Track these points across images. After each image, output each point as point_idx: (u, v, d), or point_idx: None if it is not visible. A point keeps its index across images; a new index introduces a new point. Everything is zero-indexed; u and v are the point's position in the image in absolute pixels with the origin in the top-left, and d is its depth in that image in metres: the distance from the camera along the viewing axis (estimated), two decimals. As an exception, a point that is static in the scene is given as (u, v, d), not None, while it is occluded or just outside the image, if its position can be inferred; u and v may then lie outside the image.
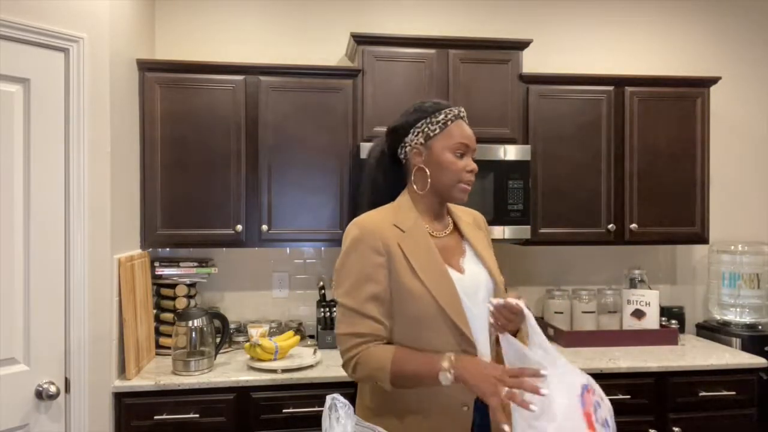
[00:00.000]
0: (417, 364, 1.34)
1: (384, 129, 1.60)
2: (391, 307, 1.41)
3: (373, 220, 1.45)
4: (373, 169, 1.58)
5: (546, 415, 1.11)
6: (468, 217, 1.62)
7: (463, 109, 1.51)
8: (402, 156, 1.52)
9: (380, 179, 1.56)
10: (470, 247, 1.53)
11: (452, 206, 1.60)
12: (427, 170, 1.47)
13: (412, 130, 1.48)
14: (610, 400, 2.55)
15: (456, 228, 1.56)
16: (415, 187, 1.50)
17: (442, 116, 1.47)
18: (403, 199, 1.51)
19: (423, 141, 1.47)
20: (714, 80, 2.88)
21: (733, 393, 2.52)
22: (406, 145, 1.50)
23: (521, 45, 2.75)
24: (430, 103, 1.51)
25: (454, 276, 1.43)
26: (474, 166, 1.48)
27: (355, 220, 1.47)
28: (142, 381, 2.24)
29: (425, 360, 1.34)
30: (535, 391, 1.12)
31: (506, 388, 1.16)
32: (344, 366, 1.42)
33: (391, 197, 1.54)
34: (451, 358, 1.30)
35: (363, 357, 1.37)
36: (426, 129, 1.47)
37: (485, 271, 1.50)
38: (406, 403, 1.41)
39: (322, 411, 1.29)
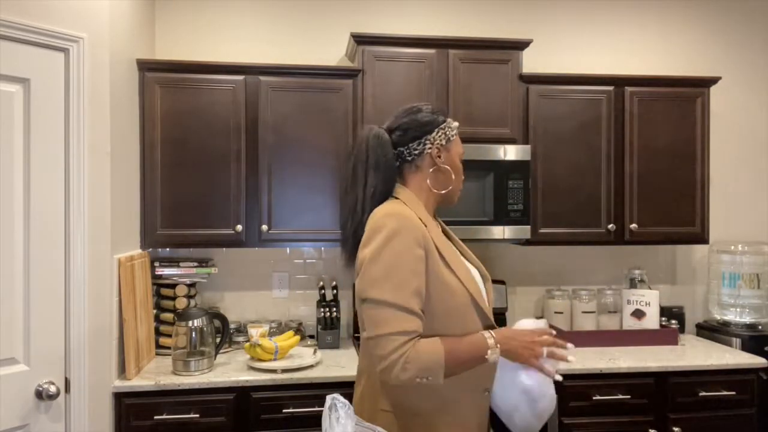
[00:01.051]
0: (467, 351, 1.37)
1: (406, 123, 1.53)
2: (426, 301, 1.37)
3: (406, 211, 1.40)
4: (379, 163, 1.46)
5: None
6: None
7: None
8: (414, 153, 1.47)
9: (382, 174, 1.46)
10: (457, 247, 1.58)
11: None
12: (450, 171, 1.51)
13: (436, 129, 1.50)
14: (610, 400, 2.57)
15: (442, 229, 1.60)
16: (430, 185, 1.50)
17: (455, 123, 1.55)
18: (408, 195, 1.48)
19: (444, 142, 1.51)
20: (714, 80, 2.88)
21: (733, 393, 2.52)
22: (427, 142, 1.48)
23: (521, 45, 2.75)
24: (431, 106, 1.55)
25: None
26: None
27: (386, 211, 1.39)
28: (142, 381, 2.24)
29: (472, 344, 1.38)
30: (563, 346, 1.46)
31: (545, 349, 1.42)
32: (387, 369, 1.30)
33: (384, 193, 1.47)
34: (494, 336, 1.40)
35: (411, 355, 1.30)
36: (448, 131, 1.52)
37: (475, 269, 1.55)
38: (430, 396, 1.39)
39: (322, 411, 1.29)
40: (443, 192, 1.52)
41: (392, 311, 1.31)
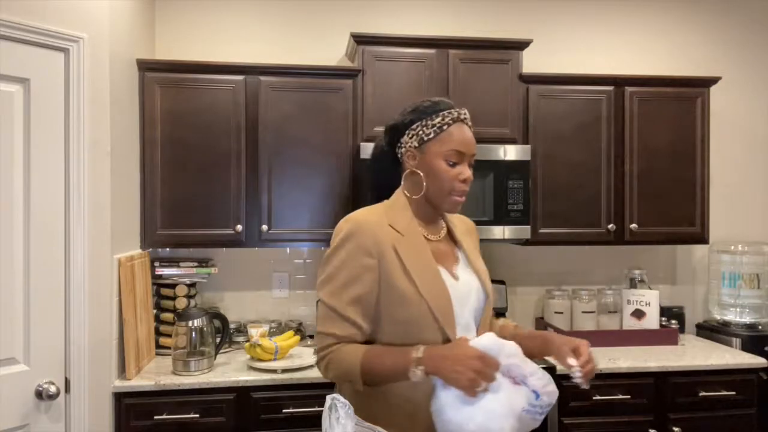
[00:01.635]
0: (387, 362, 1.30)
1: (384, 129, 1.57)
2: (376, 311, 1.35)
3: (368, 218, 1.38)
4: (374, 165, 1.56)
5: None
6: (462, 224, 1.59)
7: (464, 111, 1.43)
8: (399, 155, 1.47)
9: (381, 175, 1.53)
10: (463, 255, 1.50)
11: None
12: (420, 174, 1.41)
13: (407, 132, 1.43)
14: (610, 400, 2.56)
15: (449, 234, 1.52)
16: (406, 190, 1.45)
17: (438, 119, 1.39)
18: (398, 197, 1.46)
19: (417, 144, 1.41)
20: (714, 80, 2.88)
21: (733, 393, 2.52)
22: (402, 146, 1.45)
23: (521, 45, 2.75)
24: (428, 102, 1.43)
25: (448, 282, 1.39)
26: (468, 174, 1.40)
27: (348, 216, 1.40)
28: (142, 381, 2.24)
29: (396, 356, 1.29)
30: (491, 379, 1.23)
31: (484, 383, 1.20)
32: (317, 364, 1.40)
33: (378, 196, 1.52)
34: (420, 353, 1.26)
35: (334, 356, 1.34)
36: (421, 132, 1.40)
37: (477, 281, 1.47)
38: (386, 396, 1.34)
39: (322, 411, 1.29)
40: (416, 195, 1.42)
41: (330, 313, 1.36)
